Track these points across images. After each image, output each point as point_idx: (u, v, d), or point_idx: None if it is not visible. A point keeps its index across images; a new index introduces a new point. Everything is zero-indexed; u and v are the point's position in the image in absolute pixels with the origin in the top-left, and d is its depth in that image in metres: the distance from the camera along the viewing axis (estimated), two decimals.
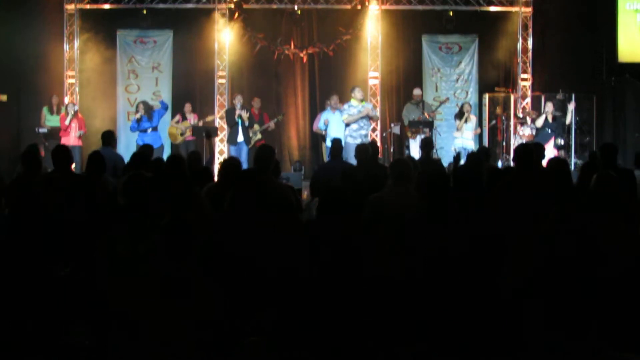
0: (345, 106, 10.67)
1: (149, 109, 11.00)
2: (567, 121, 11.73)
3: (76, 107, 11.32)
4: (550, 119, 11.35)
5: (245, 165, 10.90)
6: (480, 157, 7.33)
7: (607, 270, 3.54)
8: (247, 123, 11.28)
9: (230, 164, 5.30)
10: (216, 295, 3.07)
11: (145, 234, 3.35)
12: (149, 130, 10.93)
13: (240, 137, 11.27)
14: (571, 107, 11.57)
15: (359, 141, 10.13)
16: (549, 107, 11.37)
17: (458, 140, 11.50)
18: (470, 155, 7.35)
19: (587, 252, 3.61)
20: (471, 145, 11.33)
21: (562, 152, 11.65)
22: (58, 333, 3.04)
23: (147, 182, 4.17)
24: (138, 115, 10.98)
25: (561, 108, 11.86)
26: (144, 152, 6.72)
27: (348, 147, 9.68)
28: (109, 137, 7.74)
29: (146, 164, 6.07)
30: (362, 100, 10.72)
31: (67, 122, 11.06)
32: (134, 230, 3.54)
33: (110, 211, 4.17)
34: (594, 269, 3.55)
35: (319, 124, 11.67)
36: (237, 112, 11.22)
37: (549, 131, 11.33)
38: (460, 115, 11.59)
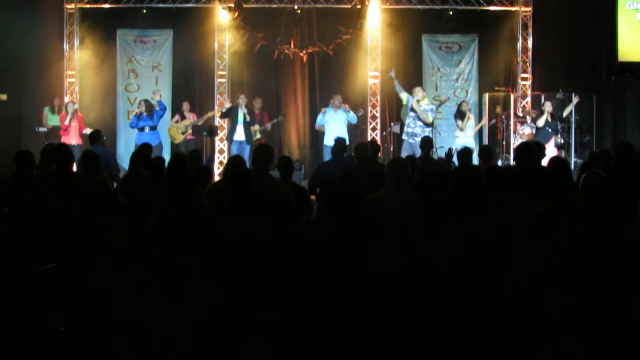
0: (427, 107, 10.57)
1: (150, 108, 11.05)
2: (565, 114, 11.67)
3: (76, 106, 11.35)
4: (549, 118, 11.30)
5: (247, 165, 10.94)
6: (471, 154, 7.35)
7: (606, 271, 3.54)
8: (248, 119, 11.25)
9: (235, 163, 5.30)
10: (215, 294, 3.07)
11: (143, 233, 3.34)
12: (147, 129, 10.95)
13: (242, 136, 11.25)
14: (575, 100, 11.49)
15: (412, 140, 10.44)
16: (547, 107, 11.32)
17: (460, 139, 11.37)
18: (463, 153, 7.31)
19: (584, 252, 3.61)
20: (472, 143, 11.15)
21: (563, 152, 11.62)
22: (41, 323, 3.05)
23: (145, 181, 4.17)
24: (138, 111, 11.05)
25: (561, 107, 11.83)
26: (143, 151, 6.74)
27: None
28: (96, 136, 8.04)
29: (146, 162, 6.09)
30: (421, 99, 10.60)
31: (66, 122, 11.10)
32: (133, 229, 3.54)
33: (109, 210, 4.17)
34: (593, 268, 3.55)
35: (317, 119, 11.64)
36: (242, 110, 11.20)
37: (549, 130, 11.31)
38: (461, 114, 11.50)
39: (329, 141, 11.08)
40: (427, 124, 10.48)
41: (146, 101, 11.24)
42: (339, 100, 11.28)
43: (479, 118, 12.62)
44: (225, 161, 11.66)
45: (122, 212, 3.97)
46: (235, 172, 4.34)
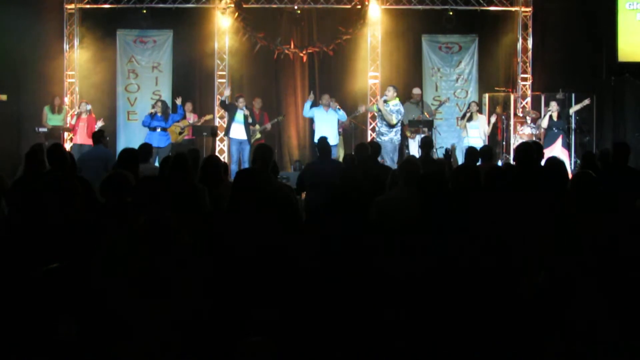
0: (394, 108, 10.35)
1: (165, 109, 11.09)
2: (572, 111, 11.70)
3: (88, 107, 11.38)
4: (555, 117, 11.28)
5: (247, 165, 10.95)
6: (477, 156, 7.34)
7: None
8: (250, 120, 11.27)
9: (211, 161, 5.34)
10: (202, 295, 3.07)
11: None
12: (159, 130, 10.98)
13: (244, 135, 11.25)
14: (586, 102, 11.45)
15: (378, 139, 10.35)
16: (553, 106, 11.31)
17: (466, 139, 11.38)
18: (469, 153, 7.32)
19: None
20: (479, 144, 10.91)
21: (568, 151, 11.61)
22: (47, 329, 3.04)
23: (126, 182, 4.15)
24: (153, 111, 11.04)
25: (562, 108, 11.81)
26: (134, 150, 6.65)
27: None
28: (99, 136, 8.10)
29: (134, 162, 6.05)
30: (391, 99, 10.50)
31: (73, 121, 11.17)
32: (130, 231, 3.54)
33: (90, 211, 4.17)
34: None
35: (304, 109, 11.48)
36: (244, 111, 11.20)
37: (555, 130, 11.29)
38: (463, 115, 11.57)
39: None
40: (390, 125, 10.32)
41: (163, 102, 11.28)
42: (327, 99, 11.21)
43: None
44: (225, 161, 11.67)
45: (121, 212, 3.97)
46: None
